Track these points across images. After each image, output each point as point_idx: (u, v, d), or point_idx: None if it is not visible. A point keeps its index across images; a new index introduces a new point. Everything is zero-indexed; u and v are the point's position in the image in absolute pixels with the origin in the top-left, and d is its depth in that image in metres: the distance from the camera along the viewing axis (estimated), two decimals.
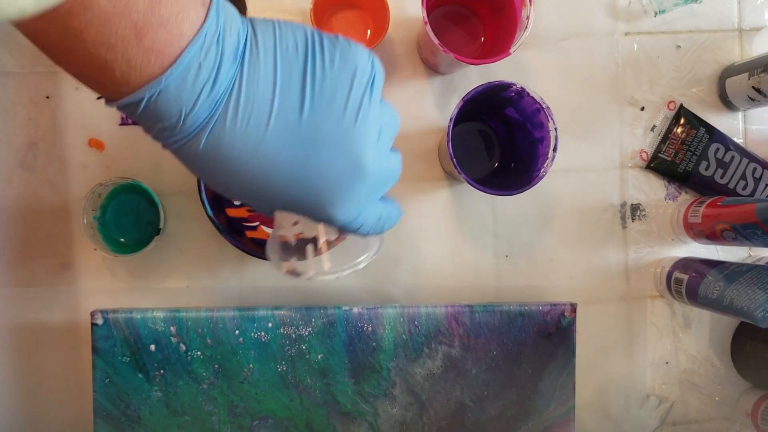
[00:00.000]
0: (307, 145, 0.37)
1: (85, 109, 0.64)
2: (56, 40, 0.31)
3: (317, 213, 0.39)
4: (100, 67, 0.32)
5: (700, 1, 0.66)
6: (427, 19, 0.55)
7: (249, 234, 0.63)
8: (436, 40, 0.55)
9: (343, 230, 0.42)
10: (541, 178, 0.56)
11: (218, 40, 0.34)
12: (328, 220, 0.40)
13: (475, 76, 0.67)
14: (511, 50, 0.56)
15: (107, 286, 0.64)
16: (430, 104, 0.67)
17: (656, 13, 0.67)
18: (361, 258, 0.49)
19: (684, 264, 0.65)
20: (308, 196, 0.39)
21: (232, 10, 0.36)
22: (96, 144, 0.64)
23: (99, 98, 0.64)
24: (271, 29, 0.36)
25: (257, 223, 0.63)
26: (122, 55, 0.32)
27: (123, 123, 0.64)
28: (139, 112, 0.34)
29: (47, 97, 0.64)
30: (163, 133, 0.35)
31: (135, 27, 0.31)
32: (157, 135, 0.36)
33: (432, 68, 0.66)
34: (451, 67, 0.64)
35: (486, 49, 0.65)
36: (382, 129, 0.40)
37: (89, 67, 0.32)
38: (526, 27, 0.56)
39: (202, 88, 0.34)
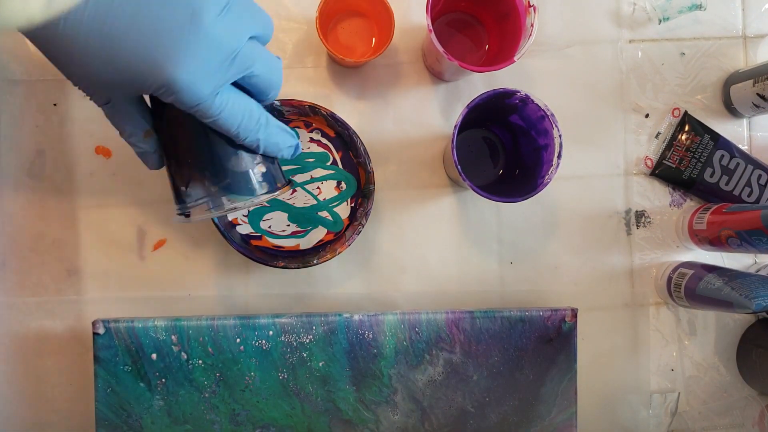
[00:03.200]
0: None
1: (92, 117, 0.64)
2: None
3: (157, 71, 0.38)
4: None
5: (705, 9, 0.66)
6: (431, 27, 0.55)
7: (254, 242, 0.63)
8: (440, 48, 0.55)
9: (199, 109, 0.41)
10: (546, 185, 0.56)
11: None
12: (171, 84, 0.38)
13: (479, 84, 0.67)
14: (515, 58, 0.56)
15: (113, 294, 0.65)
16: (434, 111, 0.67)
17: (660, 21, 0.67)
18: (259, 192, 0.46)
19: (685, 266, 0.65)
20: (145, 48, 0.37)
21: None
22: (103, 151, 0.64)
23: None
24: None
25: (260, 235, 0.64)
26: None
27: None
28: None
29: (55, 105, 0.64)
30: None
31: None
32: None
33: (437, 76, 0.66)
34: (456, 74, 0.64)
35: (490, 57, 0.66)
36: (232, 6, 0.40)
37: None
38: (531, 34, 0.56)
39: None
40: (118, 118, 0.45)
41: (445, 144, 0.66)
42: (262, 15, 0.43)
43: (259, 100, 0.46)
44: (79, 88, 0.42)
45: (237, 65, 0.41)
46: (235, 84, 0.43)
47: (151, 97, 0.47)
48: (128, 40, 0.37)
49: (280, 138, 0.46)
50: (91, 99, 0.43)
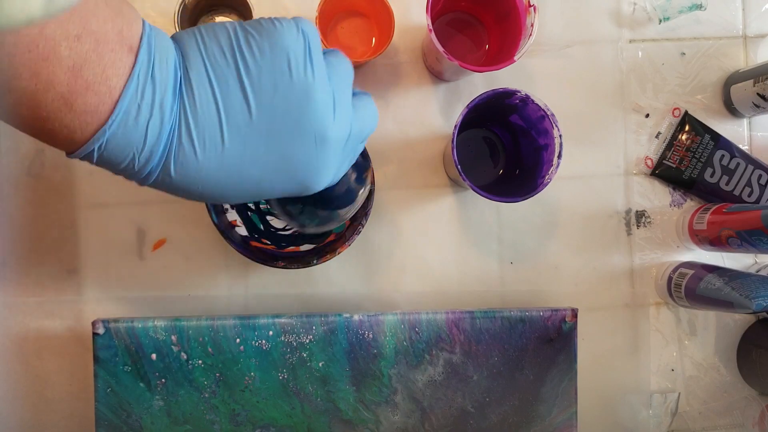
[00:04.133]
0: (266, 139, 0.38)
1: None
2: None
3: (303, 191, 0.42)
4: (45, 132, 0.34)
5: (705, 9, 0.66)
6: (431, 27, 0.55)
7: (253, 243, 0.63)
8: (440, 48, 0.55)
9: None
10: (546, 185, 0.56)
11: (151, 77, 0.35)
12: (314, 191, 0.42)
13: (479, 83, 0.67)
14: (515, 57, 0.56)
15: (112, 294, 0.65)
16: (434, 111, 0.67)
17: (660, 20, 0.67)
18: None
19: (685, 266, 0.65)
20: (286, 183, 0.40)
21: (163, 40, 0.37)
22: None
23: None
24: (195, 44, 0.37)
25: (257, 236, 0.64)
26: (59, 123, 0.33)
27: None
28: (95, 161, 0.36)
29: None
30: (127, 172, 0.37)
31: (62, 98, 0.32)
32: (123, 174, 0.37)
33: (437, 75, 0.66)
34: (456, 74, 0.64)
35: (491, 57, 0.66)
36: (335, 89, 0.41)
37: (37, 133, 0.34)
38: (531, 34, 0.56)
39: (147, 127, 0.35)
40: None
41: (445, 144, 0.66)
42: (342, 63, 0.44)
43: None
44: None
45: (361, 134, 0.45)
46: None
47: None
48: (267, 179, 0.40)
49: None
50: None
